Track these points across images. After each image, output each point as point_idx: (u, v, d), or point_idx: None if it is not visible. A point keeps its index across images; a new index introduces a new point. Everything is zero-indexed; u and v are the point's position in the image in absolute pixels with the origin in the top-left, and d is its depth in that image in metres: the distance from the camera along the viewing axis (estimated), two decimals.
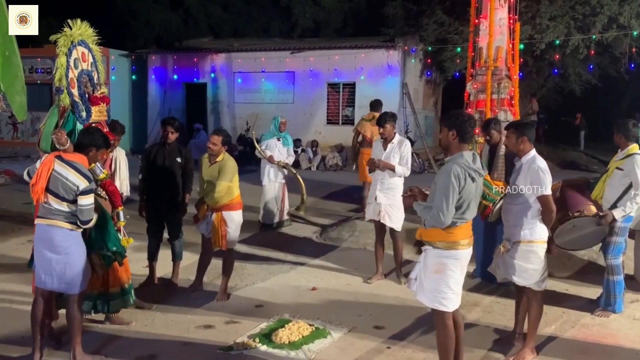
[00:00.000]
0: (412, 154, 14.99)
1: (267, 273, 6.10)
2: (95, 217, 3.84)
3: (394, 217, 5.74)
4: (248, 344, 4.20)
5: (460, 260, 3.52)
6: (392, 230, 5.84)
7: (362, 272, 6.14)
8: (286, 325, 4.47)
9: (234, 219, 5.18)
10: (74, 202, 3.71)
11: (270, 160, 8.04)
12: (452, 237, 3.47)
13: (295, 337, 4.30)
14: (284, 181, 8.25)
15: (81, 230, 3.84)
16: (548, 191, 3.90)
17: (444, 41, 16.52)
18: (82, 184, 3.69)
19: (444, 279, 3.50)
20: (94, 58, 4.54)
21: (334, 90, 16.86)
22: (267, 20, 23.95)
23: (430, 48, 16.74)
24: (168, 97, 18.41)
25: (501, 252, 4.12)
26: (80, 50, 4.39)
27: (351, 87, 16.57)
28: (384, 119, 5.70)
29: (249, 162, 15.02)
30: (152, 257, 5.67)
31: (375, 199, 5.76)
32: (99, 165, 4.15)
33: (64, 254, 3.74)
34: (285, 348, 4.16)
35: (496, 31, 7.30)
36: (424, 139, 16.69)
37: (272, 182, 8.18)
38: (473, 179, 3.44)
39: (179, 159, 5.55)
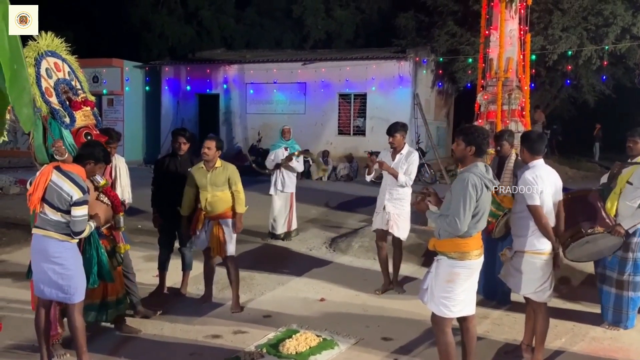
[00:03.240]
0: (424, 164, 15.08)
1: (276, 283, 6.10)
2: (88, 228, 3.83)
3: (402, 227, 5.77)
4: (255, 354, 4.20)
5: (472, 270, 3.60)
6: (396, 240, 5.86)
7: (370, 283, 6.12)
8: (294, 336, 4.47)
9: (231, 226, 5.20)
10: (68, 212, 3.71)
11: (278, 167, 8.12)
12: (465, 247, 3.54)
13: (302, 348, 4.29)
14: (291, 191, 8.28)
15: (76, 241, 3.84)
16: (533, 202, 3.94)
17: (455, 52, 16.54)
18: (76, 194, 3.69)
19: (454, 288, 3.56)
20: (71, 67, 4.57)
21: (345, 101, 16.91)
22: (280, 32, 24.15)
23: (441, 59, 16.75)
24: (181, 108, 18.59)
25: (507, 259, 4.18)
26: (52, 60, 4.43)
27: (362, 97, 16.61)
28: (395, 129, 5.70)
29: (260, 173, 15.12)
30: (163, 266, 5.69)
31: (384, 208, 5.77)
32: (99, 174, 4.21)
33: (59, 265, 3.74)
34: (293, 359, 4.15)
35: (506, 42, 7.30)
36: (436, 149, 16.65)
37: (280, 192, 8.21)
38: (487, 188, 3.55)
39: (179, 169, 5.55)
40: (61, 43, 4.49)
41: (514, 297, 5.22)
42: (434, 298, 3.64)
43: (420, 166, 14.87)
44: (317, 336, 4.52)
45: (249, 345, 4.40)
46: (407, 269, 6.61)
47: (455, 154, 3.70)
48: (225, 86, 18.14)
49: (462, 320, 3.77)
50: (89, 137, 4.38)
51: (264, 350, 4.27)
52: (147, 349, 4.37)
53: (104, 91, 18.60)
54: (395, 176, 5.62)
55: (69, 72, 4.55)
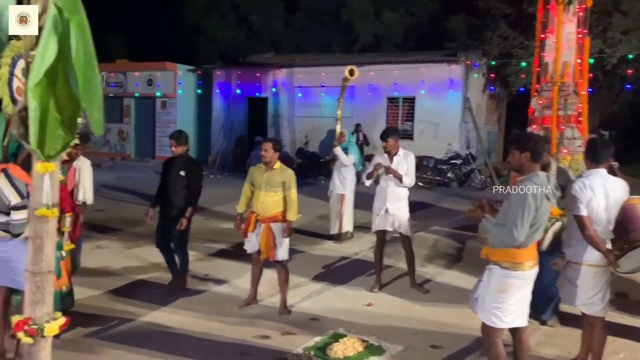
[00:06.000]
0: (474, 169, 14.77)
1: (323, 286, 6.13)
2: (27, 231, 3.88)
3: (407, 226, 6.05)
4: (303, 357, 4.23)
5: (525, 281, 3.53)
6: (405, 239, 6.08)
7: (419, 288, 6.06)
8: (341, 340, 4.47)
9: (281, 231, 5.25)
10: (8, 214, 3.80)
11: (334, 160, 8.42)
12: (519, 258, 3.46)
13: (350, 352, 4.29)
14: (342, 192, 8.28)
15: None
16: (577, 212, 3.84)
17: (508, 55, 16.16)
18: (14, 199, 3.78)
19: (506, 298, 3.49)
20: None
21: (393, 104, 16.80)
22: (328, 35, 24.24)
23: (493, 62, 16.40)
24: (231, 111, 18.94)
25: (560, 268, 4.09)
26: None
27: (411, 101, 16.46)
28: (387, 134, 5.98)
29: (307, 175, 15.22)
30: (170, 266, 5.79)
31: (387, 210, 5.96)
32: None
33: (4, 260, 3.91)
34: None
35: (563, 46, 7.08)
36: (486, 155, 16.32)
37: (333, 192, 8.33)
38: (548, 199, 3.46)
39: (182, 173, 5.61)
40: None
41: (569, 309, 5.05)
42: (485, 308, 3.59)
43: (470, 171, 14.63)
44: (364, 341, 4.52)
45: (296, 347, 4.44)
46: (429, 270, 6.63)
47: (513, 165, 3.62)
48: (274, 89, 18.37)
49: (514, 331, 3.69)
50: None
51: (312, 353, 4.29)
52: (197, 347, 4.47)
53: (158, 94, 19.18)
54: (400, 178, 5.86)
55: None
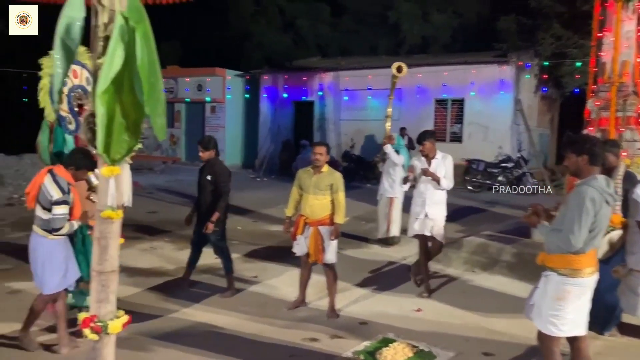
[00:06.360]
0: (525, 173, 14.36)
1: (370, 291, 6.10)
2: (67, 227, 4.20)
3: (442, 232, 5.98)
4: None
5: (585, 288, 3.42)
6: (438, 244, 6.00)
7: (469, 296, 5.95)
8: (391, 345, 4.44)
9: (329, 234, 5.26)
10: (50, 210, 4.12)
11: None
12: (578, 264, 3.36)
13: (400, 357, 4.25)
14: (390, 196, 8.20)
15: (57, 238, 4.20)
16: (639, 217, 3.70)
17: (561, 55, 15.66)
18: (56, 195, 4.10)
19: (564, 306, 3.39)
20: (90, 72, 4.71)
21: (441, 106, 16.56)
22: (375, 38, 24.15)
23: (546, 63, 15.93)
24: (278, 115, 19.14)
25: (622, 276, 3.93)
26: (70, 67, 4.71)
27: (460, 103, 16.18)
28: (424, 137, 5.90)
29: (353, 179, 15.19)
30: (189, 264, 5.99)
31: (426, 214, 5.88)
32: (97, 173, 4.52)
33: (33, 256, 4.23)
34: None
35: (622, 45, 6.81)
36: (539, 158, 15.85)
37: (382, 196, 8.31)
38: (608, 203, 3.36)
39: (209, 177, 5.75)
40: (85, 50, 4.60)
41: (631, 319, 4.84)
42: (542, 315, 3.49)
43: (522, 175, 14.22)
44: (414, 347, 4.47)
45: (345, 351, 4.43)
46: (480, 276, 6.39)
47: (570, 168, 3.50)
48: (320, 93, 18.45)
49: (573, 340, 3.57)
50: None
51: (362, 357, 4.28)
52: (247, 348, 4.53)
53: (207, 99, 19.61)
54: (438, 181, 5.79)
55: (87, 77, 4.82)
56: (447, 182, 5.86)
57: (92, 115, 1.88)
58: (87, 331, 1.98)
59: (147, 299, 5.63)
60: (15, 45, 16.66)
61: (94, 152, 1.92)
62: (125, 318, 2.06)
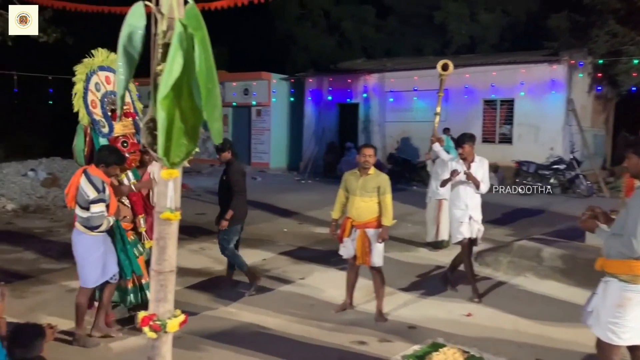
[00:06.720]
0: (578, 175, 13.86)
1: (419, 295, 6.03)
2: (106, 223, 4.39)
3: (481, 234, 6.02)
4: None
5: None
6: (472, 246, 6.07)
7: (522, 301, 5.80)
8: (441, 350, 4.37)
9: (376, 237, 5.22)
10: (88, 209, 4.32)
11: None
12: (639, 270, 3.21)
13: None
14: (439, 198, 8.04)
15: (95, 235, 4.40)
16: None
17: (617, 53, 15.07)
18: (92, 194, 4.29)
19: (624, 313, 3.27)
20: None
21: (490, 107, 16.22)
22: (420, 38, 23.90)
23: (601, 61, 15.36)
24: (322, 117, 19.22)
25: None
26: (103, 74, 4.93)
27: (509, 103, 15.80)
28: (463, 140, 5.93)
29: (399, 181, 15.07)
30: (229, 265, 6.19)
31: (470, 218, 5.88)
32: (130, 175, 4.86)
33: (74, 251, 4.48)
34: None
35: None
36: (593, 159, 15.29)
37: (431, 199, 8.21)
38: None
39: (224, 177, 6.01)
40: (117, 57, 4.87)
41: None
42: (601, 322, 3.37)
43: (575, 177, 13.75)
44: (465, 352, 4.38)
45: (394, 355, 4.39)
46: (532, 281, 6.21)
47: (631, 170, 3.37)
48: (365, 95, 18.40)
49: (634, 349, 3.42)
50: (125, 145, 4.90)
51: None
52: (296, 350, 4.56)
53: (253, 102, 19.89)
54: (478, 185, 5.82)
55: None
56: (485, 186, 5.90)
57: (152, 120, 1.94)
58: (146, 329, 2.04)
59: (195, 299, 5.75)
60: (57, 55, 17.08)
61: (154, 154, 1.98)
62: (182, 317, 2.11)
